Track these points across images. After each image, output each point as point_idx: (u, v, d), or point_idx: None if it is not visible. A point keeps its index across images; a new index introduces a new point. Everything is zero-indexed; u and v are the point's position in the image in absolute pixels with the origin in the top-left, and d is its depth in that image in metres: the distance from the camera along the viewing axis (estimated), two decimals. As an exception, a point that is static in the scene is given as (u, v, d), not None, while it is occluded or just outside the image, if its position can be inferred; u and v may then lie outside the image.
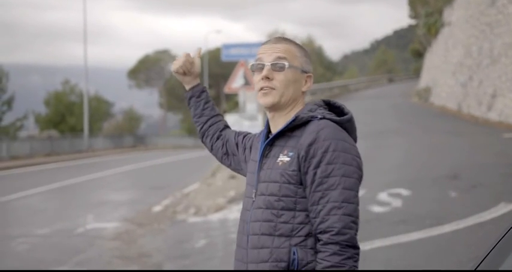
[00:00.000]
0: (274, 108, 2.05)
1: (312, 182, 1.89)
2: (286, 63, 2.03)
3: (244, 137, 2.33)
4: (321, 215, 1.86)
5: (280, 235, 1.91)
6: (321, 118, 1.97)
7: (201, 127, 2.43)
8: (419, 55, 44.99)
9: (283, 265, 1.89)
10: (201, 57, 2.47)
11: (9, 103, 35.95)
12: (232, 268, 2.09)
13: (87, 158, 30.47)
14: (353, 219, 1.86)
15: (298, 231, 1.91)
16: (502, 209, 7.72)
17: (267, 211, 1.95)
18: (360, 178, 1.93)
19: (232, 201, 10.69)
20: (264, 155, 2.04)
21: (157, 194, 13.33)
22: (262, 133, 2.13)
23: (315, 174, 1.89)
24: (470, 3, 25.37)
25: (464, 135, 16.63)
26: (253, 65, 2.09)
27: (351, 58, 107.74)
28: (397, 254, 6.23)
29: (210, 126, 2.41)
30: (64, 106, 42.36)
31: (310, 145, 1.91)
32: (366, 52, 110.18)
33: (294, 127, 2.00)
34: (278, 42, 2.09)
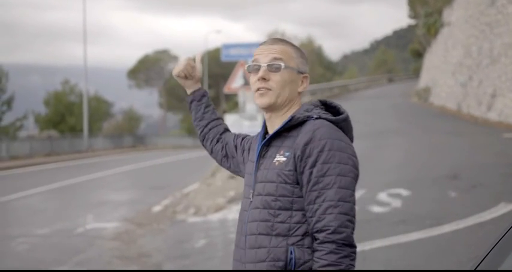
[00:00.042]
0: (270, 108, 2.06)
1: (308, 181, 1.90)
2: (282, 64, 2.04)
3: (243, 139, 2.34)
4: (317, 214, 1.87)
5: (278, 235, 1.92)
6: (316, 118, 1.98)
7: (202, 131, 2.45)
8: (419, 55, 45.00)
9: (280, 264, 1.90)
10: (202, 61, 2.49)
11: (9, 103, 35.93)
12: (231, 268, 2.11)
13: (86, 158, 30.47)
14: (349, 218, 1.87)
15: (295, 230, 1.92)
16: (501, 209, 7.72)
17: (264, 211, 1.96)
18: (356, 177, 1.94)
19: (232, 201, 10.69)
20: (260, 155, 2.05)
21: (157, 194, 13.33)
22: (260, 134, 2.15)
23: (311, 173, 1.90)
24: (470, 3, 25.38)
25: (464, 135, 16.63)
26: (249, 66, 2.10)
27: (350, 58, 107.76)
28: (397, 254, 6.23)
29: (210, 130, 2.43)
30: (64, 106, 42.33)
31: (306, 144, 1.92)
32: (365, 52, 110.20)
33: (291, 127, 2.01)
34: (274, 43, 2.10)
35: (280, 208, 1.94)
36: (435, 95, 29.96)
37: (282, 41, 2.12)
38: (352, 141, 2.04)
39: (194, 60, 2.47)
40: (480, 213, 7.58)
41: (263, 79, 2.04)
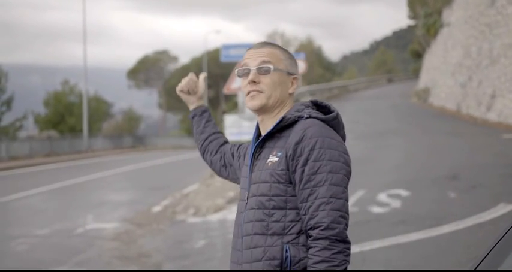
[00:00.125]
0: (262, 110, 2.09)
1: (300, 180, 1.93)
2: (271, 66, 2.08)
3: (239, 146, 2.40)
4: (310, 211, 1.89)
5: (273, 234, 1.95)
6: (307, 118, 2.01)
7: (202, 144, 2.51)
8: (418, 55, 45.04)
9: (276, 262, 1.92)
10: (205, 79, 2.57)
11: (8, 103, 35.92)
12: (230, 269, 2.13)
13: (86, 158, 30.47)
14: (341, 214, 1.89)
15: (290, 229, 1.94)
16: (501, 209, 7.73)
17: (258, 211, 1.98)
18: (348, 174, 1.97)
19: (231, 201, 10.70)
20: (254, 157, 2.09)
21: (156, 194, 13.33)
22: (253, 136, 2.18)
23: (302, 171, 1.93)
24: (470, 3, 25.39)
25: (463, 135, 16.64)
26: (239, 70, 2.14)
27: (350, 58, 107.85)
28: (396, 254, 6.23)
29: (210, 142, 2.49)
30: (63, 106, 42.34)
31: (297, 143, 1.95)
32: (365, 52, 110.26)
33: (283, 128, 2.04)
34: (262, 46, 2.14)
35: (274, 208, 1.96)
36: (435, 96, 29.97)
37: (270, 44, 2.16)
38: (344, 139, 2.07)
39: (198, 77, 2.55)
40: (479, 214, 7.59)
41: (253, 82, 2.08)
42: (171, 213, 10.64)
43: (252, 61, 2.10)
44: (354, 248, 6.05)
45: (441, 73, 29.84)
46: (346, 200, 1.93)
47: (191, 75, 2.51)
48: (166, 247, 8.27)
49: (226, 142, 2.50)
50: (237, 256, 2.05)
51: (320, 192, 1.89)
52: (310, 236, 1.89)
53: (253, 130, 2.21)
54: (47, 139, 33.13)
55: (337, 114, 2.06)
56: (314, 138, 1.93)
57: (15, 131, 36.70)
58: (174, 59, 72.46)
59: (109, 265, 7.13)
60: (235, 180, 2.37)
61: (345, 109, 25.93)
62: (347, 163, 1.97)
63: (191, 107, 2.55)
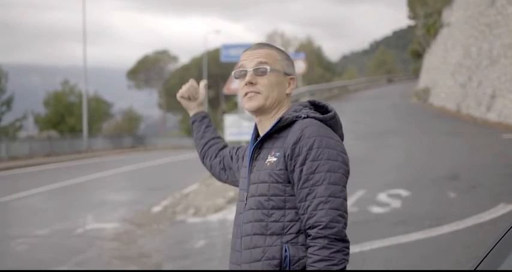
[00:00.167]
0: (260, 111, 2.10)
1: (299, 179, 1.93)
2: (268, 67, 2.08)
3: (238, 149, 2.41)
4: (308, 211, 1.90)
5: (272, 234, 1.95)
6: (305, 118, 2.02)
7: (202, 149, 2.53)
8: (418, 56, 45.05)
9: (275, 262, 1.93)
10: (205, 86, 2.62)
11: (8, 103, 35.93)
12: (229, 270, 2.14)
13: (86, 158, 30.46)
14: (340, 213, 1.89)
15: (289, 229, 1.94)
16: (501, 210, 7.73)
17: (257, 212, 1.99)
18: (346, 173, 1.97)
19: (231, 201, 10.70)
20: (253, 158, 2.09)
21: (156, 194, 13.33)
22: (251, 137, 2.18)
23: (301, 171, 1.93)
24: (470, 3, 25.39)
25: (463, 135, 16.65)
26: (236, 72, 2.14)
27: (350, 58, 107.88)
28: (396, 254, 6.23)
29: (209, 147, 2.51)
30: (63, 106, 42.34)
31: (295, 143, 1.95)
32: (365, 52, 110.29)
33: (281, 128, 2.05)
34: (258, 47, 2.14)
35: (273, 208, 1.97)
36: (435, 96, 29.97)
37: (266, 45, 2.17)
38: (342, 138, 2.08)
39: (199, 83, 2.58)
40: (479, 214, 7.59)
41: (250, 83, 2.08)
42: (171, 213, 10.64)
43: (248, 62, 2.11)
44: (354, 248, 6.06)
45: (441, 74, 29.85)
46: (345, 199, 1.93)
47: (191, 82, 2.54)
48: (166, 247, 8.27)
49: (225, 146, 2.51)
50: (236, 257, 2.05)
51: (318, 191, 1.89)
52: (309, 236, 1.89)
53: (252, 130, 2.21)
54: (47, 139, 33.13)
55: (335, 114, 2.07)
56: (312, 137, 1.94)
57: (15, 131, 36.72)
58: (174, 59, 72.46)
59: (109, 265, 7.13)
60: (235, 182, 2.37)
61: (345, 109, 25.93)
62: (345, 162, 1.97)
63: (191, 113, 2.57)
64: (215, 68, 55.93)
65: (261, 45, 2.16)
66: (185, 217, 10.14)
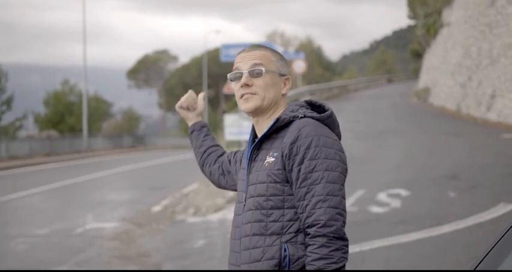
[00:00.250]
0: (256, 112, 2.11)
1: (297, 178, 1.94)
2: (263, 69, 2.09)
3: (236, 153, 2.42)
4: (307, 209, 1.90)
5: (271, 234, 1.96)
6: (302, 117, 2.03)
7: (201, 157, 2.54)
8: (418, 55, 45.03)
9: (274, 262, 1.93)
10: (205, 97, 2.63)
11: (8, 103, 35.93)
12: (229, 270, 2.14)
13: (86, 158, 30.46)
14: (339, 211, 1.90)
15: (288, 228, 1.95)
16: (501, 209, 7.73)
17: (256, 212, 2.00)
18: (344, 172, 1.98)
19: (231, 201, 10.70)
20: (251, 159, 2.10)
21: (156, 194, 13.33)
22: (249, 139, 2.19)
23: (299, 170, 1.94)
24: (470, 3, 25.39)
25: (463, 135, 16.65)
26: (231, 74, 2.16)
27: (350, 58, 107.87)
28: (396, 254, 6.23)
29: (208, 155, 2.51)
30: (63, 106, 42.33)
31: (293, 143, 1.96)
32: (365, 52, 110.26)
33: (279, 128, 2.05)
34: (253, 49, 2.16)
35: (272, 208, 1.97)
36: (434, 95, 29.97)
37: (260, 46, 2.18)
38: (339, 137, 2.09)
39: (197, 95, 2.59)
40: (479, 213, 7.59)
41: (246, 85, 2.09)
42: (171, 213, 10.64)
43: (243, 64, 2.12)
44: (354, 248, 6.06)
45: (441, 73, 29.85)
46: (343, 197, 1.94)
47: (190, 92, 2.55)
48: (166, 246, 8.27)
49: (224, 153, 2.52)
50: (235, 258, 2.05)
51: (317, 190, 1.90)
52: (308, 234, 1.90)
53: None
54: (47, 139, 33.13)
55: (332, 113, 2.07)
56: (309, 136, 1.95)
57: (15, 131, 36.73)
58: (174, 58, 72.47)
59: (109, 264, 7.13)
60: (234, 186, 2.37)
61: (344, 109, 25.93)
62: (343, 161, 1.98)
63: (190, 123, 2.58)
64: (215, 68, 55.92)
65: (255, 47, 2.17)
66: (185, 217, 10.14)
